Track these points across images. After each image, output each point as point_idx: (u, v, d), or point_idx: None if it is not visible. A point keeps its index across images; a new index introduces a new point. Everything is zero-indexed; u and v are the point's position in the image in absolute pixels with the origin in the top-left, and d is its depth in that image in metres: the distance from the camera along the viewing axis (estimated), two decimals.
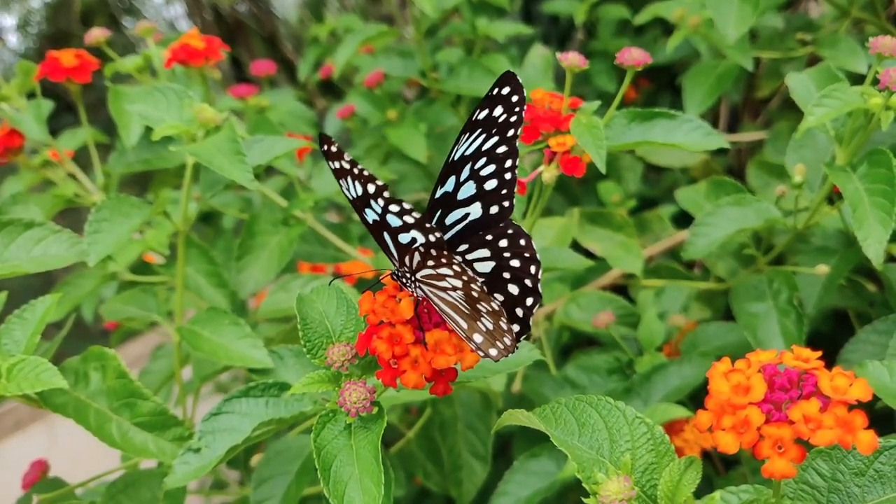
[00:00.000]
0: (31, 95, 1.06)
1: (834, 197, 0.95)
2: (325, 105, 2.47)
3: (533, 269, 0.58)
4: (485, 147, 0.61)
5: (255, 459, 0.83)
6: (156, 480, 0.80)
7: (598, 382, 1.05)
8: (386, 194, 0.54)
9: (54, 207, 1.03)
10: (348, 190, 0.56)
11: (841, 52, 1.16)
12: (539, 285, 0.58)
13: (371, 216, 0.56)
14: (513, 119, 0.60)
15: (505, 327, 0.54)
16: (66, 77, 1.03)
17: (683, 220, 1.31)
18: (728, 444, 0.44)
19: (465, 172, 0.61)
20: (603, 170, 0.77)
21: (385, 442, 1.21)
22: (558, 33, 2.05)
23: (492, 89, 0.60)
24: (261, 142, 0.86)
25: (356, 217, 1.75)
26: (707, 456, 1.01)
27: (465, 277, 0.53)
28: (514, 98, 0.60)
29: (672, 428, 0.97)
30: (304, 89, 2.38)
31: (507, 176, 0.61)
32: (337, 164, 0.55)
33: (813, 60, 1.33)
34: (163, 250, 0.97)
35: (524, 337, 0.59)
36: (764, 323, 0.94)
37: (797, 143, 0.96)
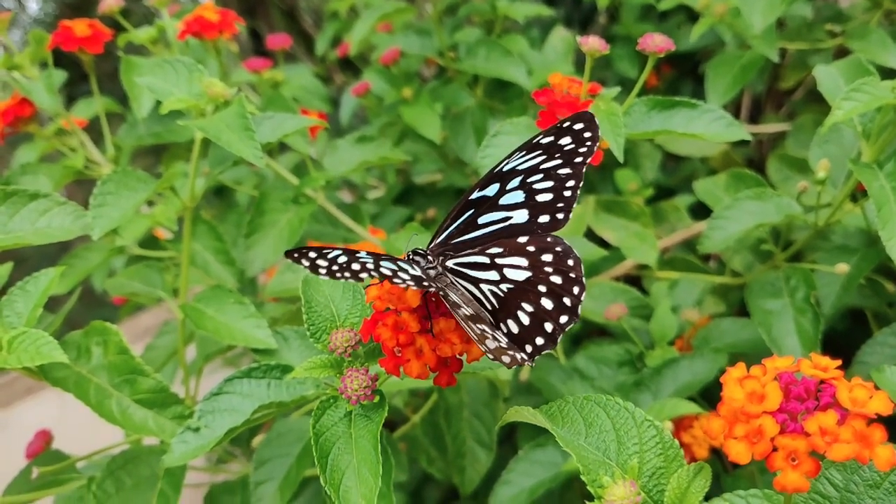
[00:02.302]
0: (46, 65, 1.05)
1: (857, 194, 0.92)
2: (343, 80, 2.44)
3: (576, 290, 0.57)
4: (544, 166, 0.61)
5: (258, 440, 0.82)
6: (156, 457, 0.79)
7: (607, 374, 1.03)
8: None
9: (64, 178, 1.02)
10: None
11: (871, 45, 1.13)
12: (579, 308, 0.57)
13: None
14: (582, 150, 0.60)
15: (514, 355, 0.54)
16: (78, 47, 1.01)
17: (701, 210, 1.28)
18: (740, 453, 0.43)
19: (515, 182, 0.61)
20: (621, 158, 0.75)
21: (389, 425, 1.21)
22: (580, 16, 2.02)
23: (562, 122, 0.60)
24: (271, 118, 0.85)
25: (369, 196, 1.74)
26: (716, 453, 1.00)
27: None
28: (587, 134, 0.60)
29: (681, 423, 0.95)
30: (323, 64, 2.36)
31: (567, 193, 0.60)
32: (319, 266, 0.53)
33: (840, 52, 1.30)
34: (171, 225, 0.96)
35: (546, 352, 0.58)
36: (779, 321, 0.92)
37: (822, 138, 0.93)
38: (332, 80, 2.51)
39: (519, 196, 0.61)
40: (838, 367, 0.46)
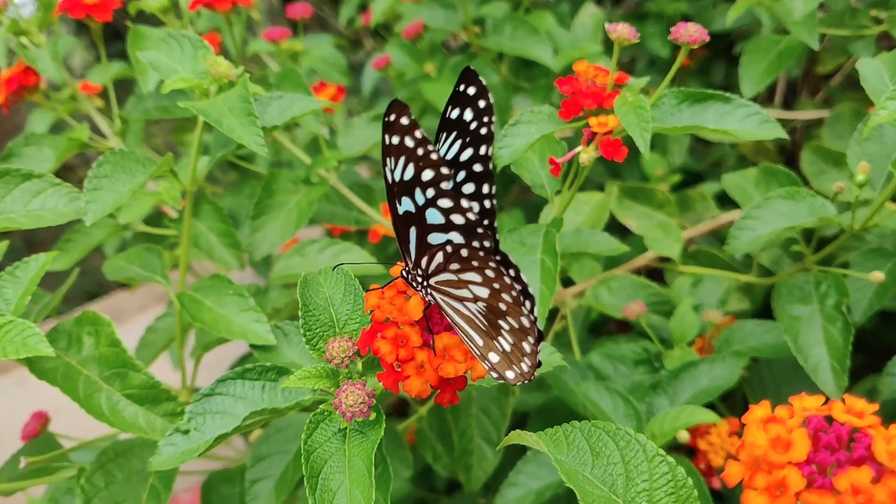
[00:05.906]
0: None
1: None
2: (373, 46, 2.40)
3: (528, 304, 0.50)
4: (462, 158, 0.52)
5: (255, 435, 0.79)
6: (148, 451, 0.77)
7: (623, 373, 0.99)
8: (444, 185, 0.46)
9: (68, 150, 0.98)
10: (393, 171, 0.47)
11: None
12: (538, 324, 0.51)
13: (406, 206, 0.48)
14: (483, 132, 0.51)
15: (528, 349, 0.49)
16: (85, 14, 0.97)
17: (728, 198, 1.23)
18: None
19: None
20: (647, 154, 0.71)
21: (397, 413, 1.17)
22: None
23: (457, 85, 0.51)
24: (279, 99, 0.80)
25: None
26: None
27: (496, 285, 0.47)
28: (481, 104, 0.51)
29: (697, 429, 0.91)
30: (352, 28, 2.31)
31: (487, 204, 0.52)
32: (396, 140, 0.45)
33: (882, 37, 1.23)
34: (175, 204, 0.93)
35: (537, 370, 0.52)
36: (806, 328, 0.87)
37: (862, 136, 0.88)
38: (361, 45, 2.46)
39: (449, 207, 0.49)
40: (875, 413, 0.41)
